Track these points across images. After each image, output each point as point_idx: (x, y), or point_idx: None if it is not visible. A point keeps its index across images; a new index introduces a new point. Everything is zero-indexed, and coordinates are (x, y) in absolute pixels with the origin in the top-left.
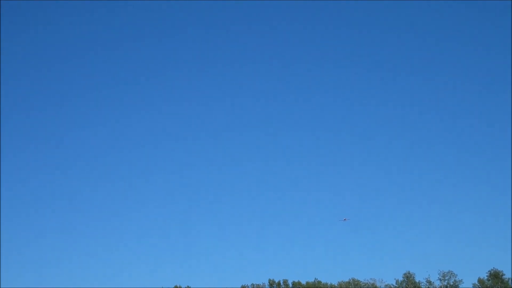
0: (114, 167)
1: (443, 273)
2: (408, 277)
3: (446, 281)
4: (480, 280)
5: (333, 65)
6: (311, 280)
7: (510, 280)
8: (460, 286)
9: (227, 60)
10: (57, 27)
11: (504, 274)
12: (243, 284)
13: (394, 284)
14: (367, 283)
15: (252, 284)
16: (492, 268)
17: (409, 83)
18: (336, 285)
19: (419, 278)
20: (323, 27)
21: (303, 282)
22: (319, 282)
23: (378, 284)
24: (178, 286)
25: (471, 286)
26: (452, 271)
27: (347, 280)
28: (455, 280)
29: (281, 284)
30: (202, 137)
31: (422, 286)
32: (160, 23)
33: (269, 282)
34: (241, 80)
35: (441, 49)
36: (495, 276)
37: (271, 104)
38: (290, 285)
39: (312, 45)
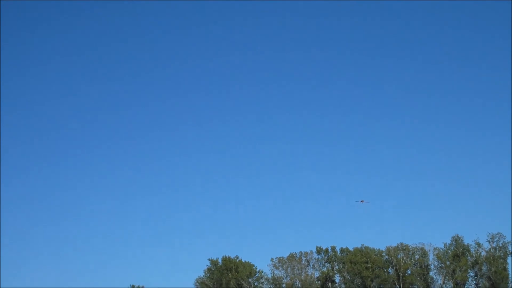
0: (116, 166)
1: (492, 235)
2: (457, 240)
3: (495, 242)
4: None
5: (334, 64)
6: (359, 246)
7: None
8: (510, 247)
9: (226, 59)
10: (57, 27)
11: None
12: (292, 252)
13: (443, 247)
14: (415, 247)
15: (300, 252)
16: None
17: (409, 83)
18: (383, 250)
19: (467, 240)
20: (324, 28)
21: (351, 248)
22: (367, 247)
23: (426, 248)
24: (226, 256)
25: None
26: (501, 233)
27: (395, 245)
28: (504, 241)
29: (329, 250)
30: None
31: (471, 249)
32: (161, 23)
33: (316, 249)
34: (242, 79)
35: (441, 49)
36: None
37: (278, 96)
38: (338, 252)
39: (312, 45)
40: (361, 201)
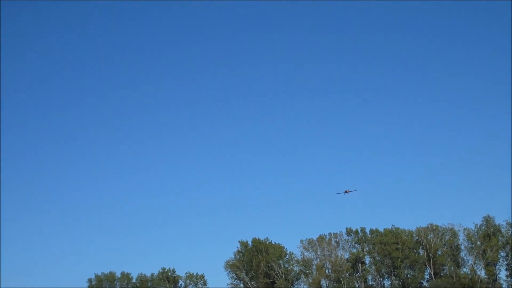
0: (115, 167)
1: None
2: (488, 220)
3: None
4: None
5: (334, 65)
6: (389, 227)
7: None
8: None
9: (227, 60)
10: (57, 27)
11: None
12: (321, 233)
13: (473, 228)
14: (445, 227)
15: (330, 233)
16: None
17: (409, 83)
18: (414, 231)
19: (498, 220)
20: (322, 28)
21: (381, 229)
22: (397, 228)
23: (456, 229)
24: (256, 238)
25: None
26: None
27: (425, 225)
28: None
29: (359, 231)
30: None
31: (501, 229)
32: (161, 24)
33: (346, 231)
34: (242, 80)
35: (441, 49)
36: None
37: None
38: (368, 233)
39: (311, 45)
40: (346, 191)
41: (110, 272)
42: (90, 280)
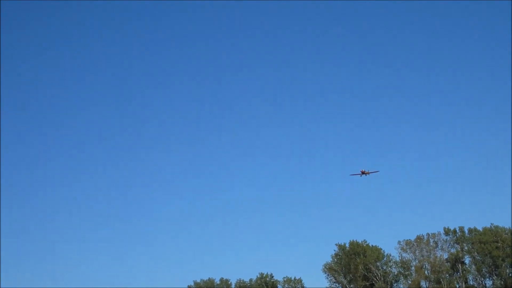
0: (115, 167)
1: None
2: None
3: None
4: None
5: (333, 65)
6: (487, 225)
7: None
8: None
9: (226, 61)
10: (57, 27)
11: None
12: (419, 234)
13: None
14: None
15: (428, 234)
16: None
17: (408, 84)
18: None
19: None
20: (321, 27)
21: (479, 228)
22: (496, 226)
23: None
24: (354, 240)
25: None
26: None
27: None
28: None
29: (457, 231)
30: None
31: None
32: (161, 23)
33: (444, 230)
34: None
35: (441, 49)
36: None
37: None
38: (466, 232)
39: (309, 45)
40: (362, 172)
41: (209, 279)
42: (189, 287)
